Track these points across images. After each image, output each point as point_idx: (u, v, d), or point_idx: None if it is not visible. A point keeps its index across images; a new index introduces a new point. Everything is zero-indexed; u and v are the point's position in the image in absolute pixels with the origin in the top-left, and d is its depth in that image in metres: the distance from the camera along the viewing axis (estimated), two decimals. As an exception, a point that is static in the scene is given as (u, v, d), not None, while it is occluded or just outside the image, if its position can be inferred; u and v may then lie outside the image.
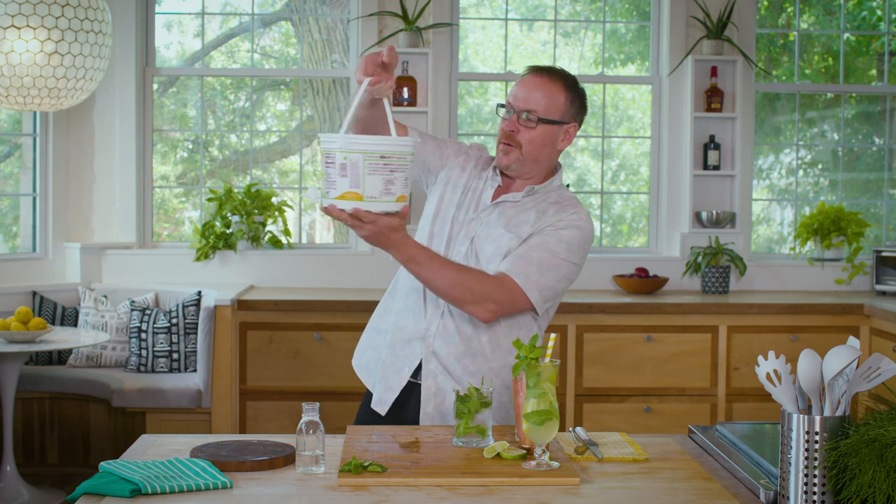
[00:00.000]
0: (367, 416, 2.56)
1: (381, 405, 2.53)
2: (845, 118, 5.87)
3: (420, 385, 2.49)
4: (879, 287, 5.34)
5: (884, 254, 5.34)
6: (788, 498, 1.75)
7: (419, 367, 2.49)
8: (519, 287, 2.40)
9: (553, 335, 2.19)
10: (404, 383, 2.51)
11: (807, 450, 1.73)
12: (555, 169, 2.59)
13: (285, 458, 2.05)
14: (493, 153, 2.62)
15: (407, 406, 2.51)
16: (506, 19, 5.73)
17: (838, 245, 5.51)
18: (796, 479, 1.74)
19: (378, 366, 2.56)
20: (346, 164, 2.09)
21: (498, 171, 2.55)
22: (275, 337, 4.85)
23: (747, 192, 5.60)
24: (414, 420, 2.49)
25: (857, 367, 1.76)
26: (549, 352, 2.09)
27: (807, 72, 5.88)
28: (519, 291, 2.40)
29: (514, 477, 1.95)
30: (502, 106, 2.52)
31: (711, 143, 5.50)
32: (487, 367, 2.47)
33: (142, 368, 5.01)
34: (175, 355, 5.03)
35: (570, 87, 2.50)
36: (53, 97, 4.70)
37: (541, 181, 2.56)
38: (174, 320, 5.02)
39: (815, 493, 1.72)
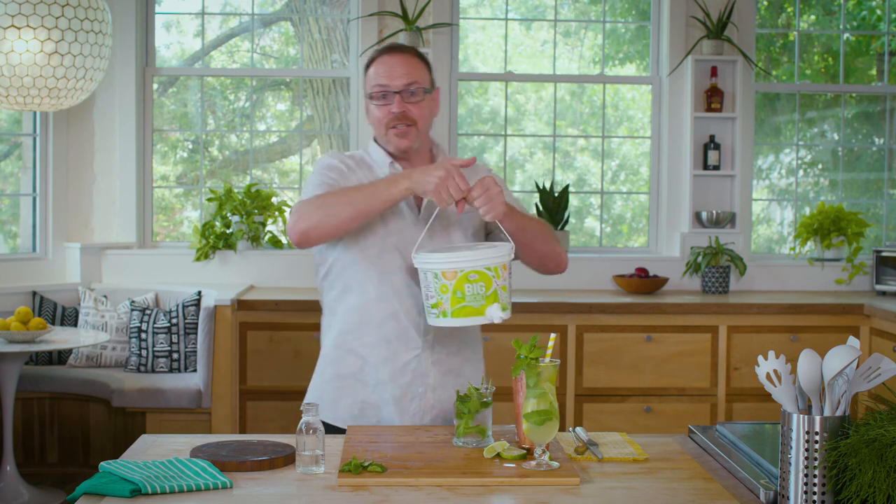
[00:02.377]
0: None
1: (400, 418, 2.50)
2: (845, 118, 5.87)
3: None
4: (879, 287, 5.34)
5: (884, 254, 5.34)
6: (788, 498, 1.75)
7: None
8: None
9: (553, 335, 2.19)
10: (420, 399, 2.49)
11: (807, 450, 1.73)
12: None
13: (285, 458, 2.05)
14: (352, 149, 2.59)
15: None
16: (506, 19, 5.73)
17: (838, 245, 5.51)
18: (796, 479, 1.74)
19: (385, 404, 2.46)
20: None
21: (395, 165, 2.49)
22: (275, 337, 4.85)
23: (747, 192, 5.60)
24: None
25: (857, 367, 1.76)
26: (548, 352, 2.10)
27: (807, 72, 5.88)
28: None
29: (514, 477, 1.95)
30: (377, 95, 2.44)
31: (711, 143, 5.50)
32: (478, 357, 2.56)
33: (142, 368, 5.01)
34: (175, 355, 5.03)
35: (423, 57, 2.53)
36: (53, 97, 4.70)
37: (428, 155, 2.56)
38: (174, 320, 5.02)
39: (815, 493, 1.72)
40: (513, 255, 2.29)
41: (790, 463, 1.75)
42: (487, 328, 4.79)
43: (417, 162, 2.51)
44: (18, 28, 4.53)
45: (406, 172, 2.32)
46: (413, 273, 2.41)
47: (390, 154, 2.51)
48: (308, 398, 2.53)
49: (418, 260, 2.25)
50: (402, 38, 5.35)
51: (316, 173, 2.51)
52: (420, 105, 2.46)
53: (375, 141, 2.56)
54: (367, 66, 2.51)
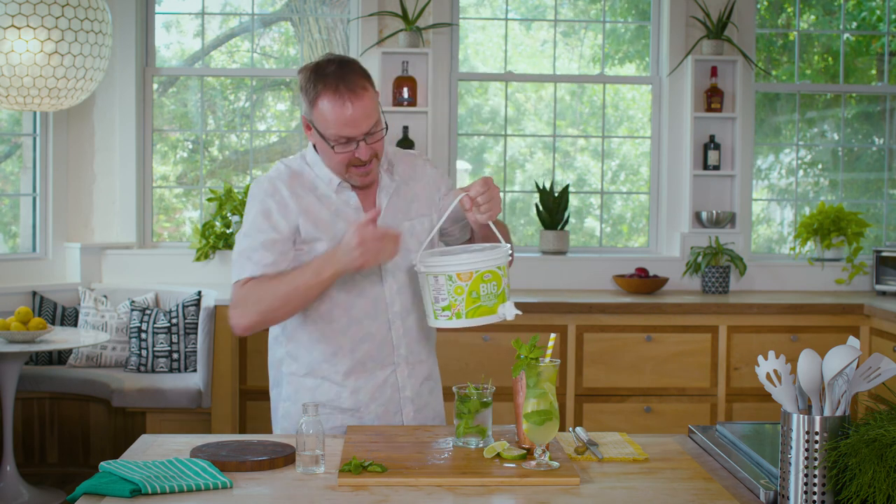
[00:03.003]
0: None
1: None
2: (845, 118, 5.87)
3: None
4: (879, 287, 5.34)
5: (884, 254, 5.34)
6: (788, 498, 1.75)
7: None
8: None
9: (553, 335, 2.19)
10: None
11: (807, 450, 1.73)
12: None
13: (285, 458, 2.05)
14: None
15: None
16: (506, 19, 5.73)
17: (838, 245, 5.51)
18: (796, 479, 1.74)
19: (369, 402, 2.45)
20: None
21: (343, 183, 2.41)
22: (275, 337, 4.84)
23: (747, 192, 5.60)
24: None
25: (857, 367, 1.76)
26: (548, 352, 2.10)
27: (807, 72, 5.88)
28: None
29: (514, 477, 1.95)
30: (338, 142, 2.32)
31: (711, 143, 5.50)
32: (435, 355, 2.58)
33: (142, 368, 5.01)
34: (175, 355, 5.03)
35: (367, 75, 2.36)
36: (53, 97, 4.70)
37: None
38: (174, 320, 5.02)
39: (815, 493, 1.72)
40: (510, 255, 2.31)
41: (790, 463, 1.75)
42: (487, 328, 4.79)
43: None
44: (18, 28, 4.53)
45: (328, 258, 2.27)
46: (381, 290, 2.41)
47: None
48: (279, 426, 2.51)
49: (427, 265, 2.23)
50: (401, 38, 5.35)
51: (248, 221, 2.39)
52: (381, 140, 2.37)
53: (315, 150, 2.43)
54: (315, 100, 2.31)
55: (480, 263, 2.20)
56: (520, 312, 2.23)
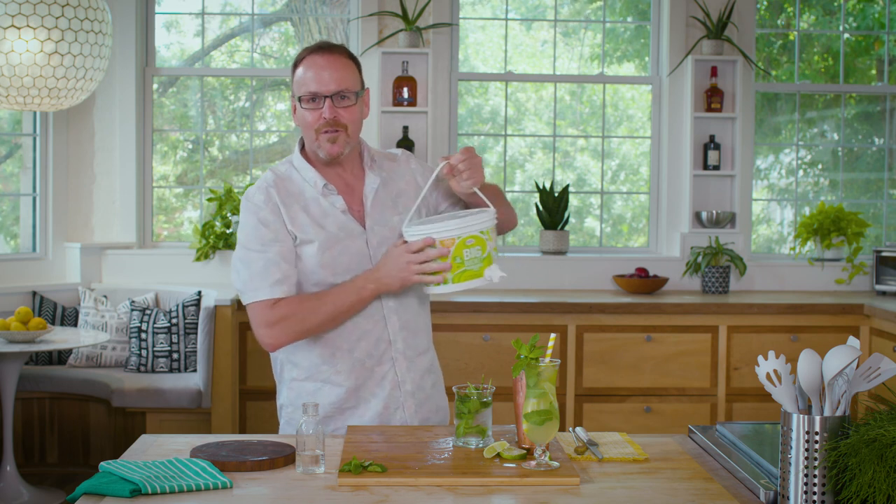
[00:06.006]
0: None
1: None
2: (845, 118, 5.87)
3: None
4: (879, 287, 5.34)
5: (884, 254, 5.34)
6: (788, 498, 1.75)
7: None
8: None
9: (553, 335, 2.19)
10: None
11: (807, 450, 1.73)
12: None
13: (285, 458, 2.05)
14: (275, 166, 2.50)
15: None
16: (506, 19, 5.73)
17: (838, 245, 5.51)
18: (796, 479, 1.74)
19: (372, 423, 2.45)
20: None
21: (329, 187, 2.44)
22: (275, 337, 4.84)
23: (747, 192, 5.60)
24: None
25: (857, 367, 1.76)
26: (549, 352, 2.09)
27: (807, 72, 5.88)
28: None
29: (514, 477, 1.95)
30: (307, 99, 2.40)
31: (711, 143, 5.50)
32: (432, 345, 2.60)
33: (142, 368, 5.01)
34: (175, 355, 5.03)
35: (353, 57, 2.49)
36: (53, 97, 4.70)
37: (358, 159, 2.52)
38: (174, 320, 5.02)
39: (815, 493, 1.72)
40: (496, 219, 2.34)
41: (790, 463, 1.75)
42: (486, 328, 4.79)
43: (348, 166, 2.49)
44: (18, 28, 4.53)
45: (370, 277, 2.35)
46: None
47: (320, 160, 2.45)
48: (283, 430, 2.52)
49: (412, 233, 2.30)
50: (401, 38, 5.35)
51: (249, 234, 2.41)
52: (351, 109, 2.42)
53: (302, 150, 2.50)
54: (297, 63, 2.46)
55: (461, 229, 2.25)
56: (504, 274, 2.28)
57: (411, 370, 2.48)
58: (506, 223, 2.58)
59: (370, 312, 2.43)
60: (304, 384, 2.46)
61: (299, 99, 2.43)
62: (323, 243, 2.40)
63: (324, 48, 2.44)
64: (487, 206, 2.37)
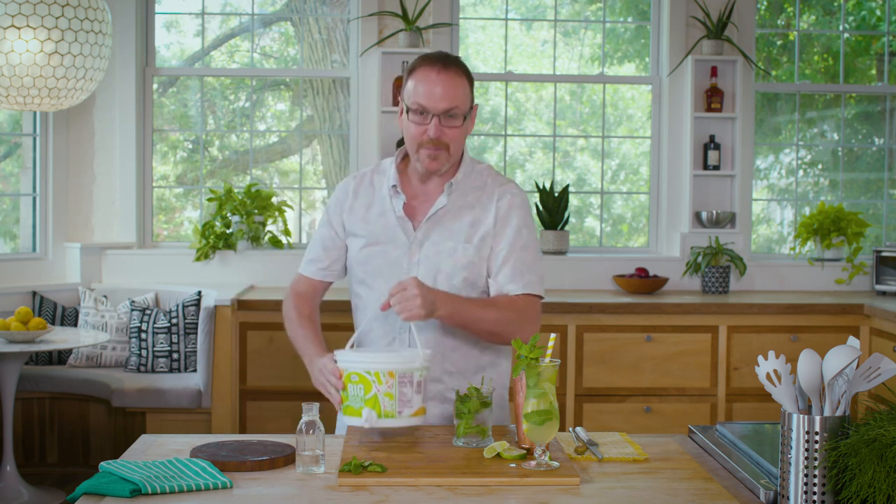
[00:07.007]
0: None
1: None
2: (845, 118, 5.87)
3: None
4: (879, 287, 5.34)
5: (884, 254, 5.34)
6: (788, 498, 1.75)
7: None
8: (538, 297, 2.46)
9: (553, 335, 2.19)
10: None
11: (807, 450, 1.73)
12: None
13: (285, 458, 2.05)
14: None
15: None
16: (506, 19, 5.73)
17: (838, 245, 5.51)
18: (796, 479, 1.74)
19: None
20: (422, 381, 2.18)
21: (396, 189, 2.45)
22: (275, 337, 4.84)
23: (747, 192, 5.60)
24: None
25: (857, 367, 1.76)
26: (549, 352, 2.10)
27: (807, 72, 5.88)
28: (539, 300, 2.46)
29: (514, 477, 1.95)
30: (415, 111, 2.37)
31: (711, 143, 5.50)
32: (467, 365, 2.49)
33: (142, 368, 5.01)
34: (175, 355, 5.03)
35: (467, 72, 2.44)
36: (53, 97, 4.70)
37: (453, 168, 2.49)
38: (174, 320, 5.02)
39: (815, 493, 1.72)
40: (424, 364, 2.17)
41: (790, 463, 1.75)
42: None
43: (432, 188, 2.47)
44: (18, 28, 4.53)
45: (308, 359, 2.44)
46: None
47: (416, 170, 2.46)
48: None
49: (340, 351, 2.25)
50: (401, 38, 5.35)
51: (325, 211, 2.61)
52: (456, 130, 2.39)
53: (397, 150, 2.54)
54: (411, 72, 2.40)
55: (347, 364, 2.19)
56: (377, 426, 2.13)
57: (427, 326, 2.42)
58: (496, 336, 2.41)
59: (386, 315, 2.45)
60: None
61: (407, 108, 2.39)
62: (365, 240, 2.47)
63: (439, 62, 2.38)
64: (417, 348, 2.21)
